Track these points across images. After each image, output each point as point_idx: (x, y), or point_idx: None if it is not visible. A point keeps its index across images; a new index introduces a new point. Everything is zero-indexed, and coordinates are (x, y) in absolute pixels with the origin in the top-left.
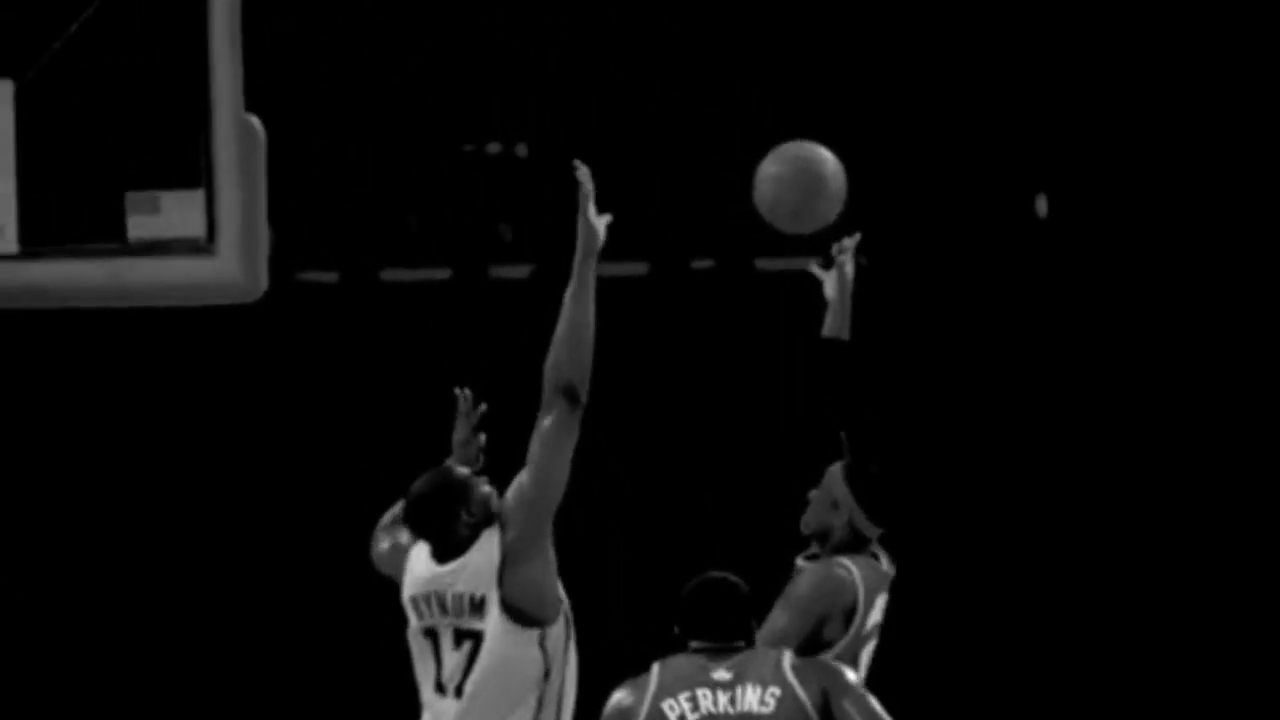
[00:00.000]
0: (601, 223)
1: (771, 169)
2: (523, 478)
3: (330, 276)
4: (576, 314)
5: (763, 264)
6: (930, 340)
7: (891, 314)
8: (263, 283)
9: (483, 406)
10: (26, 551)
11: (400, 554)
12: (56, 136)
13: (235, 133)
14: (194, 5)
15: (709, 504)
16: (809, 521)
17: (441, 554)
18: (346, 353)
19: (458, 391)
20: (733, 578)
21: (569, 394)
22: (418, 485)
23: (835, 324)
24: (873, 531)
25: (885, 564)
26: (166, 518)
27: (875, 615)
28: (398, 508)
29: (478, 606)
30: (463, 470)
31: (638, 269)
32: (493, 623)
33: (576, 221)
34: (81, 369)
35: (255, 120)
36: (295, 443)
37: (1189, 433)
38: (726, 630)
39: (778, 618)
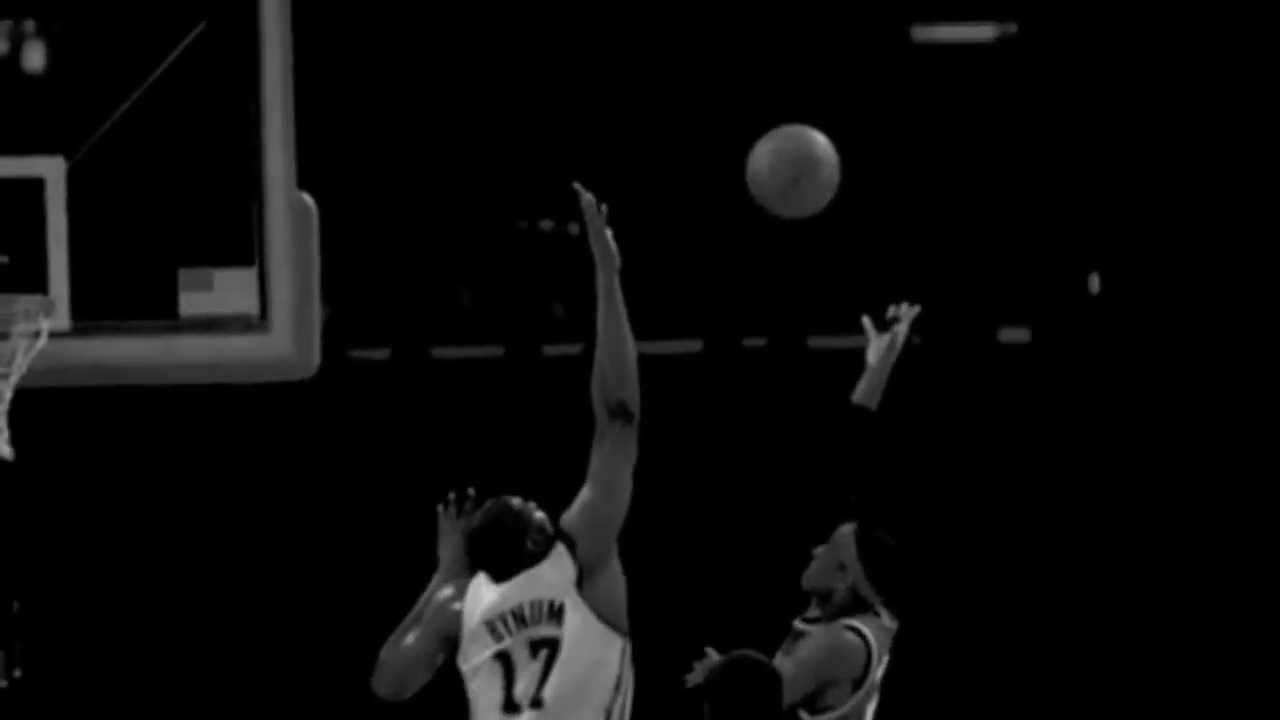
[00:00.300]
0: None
1: (765, 147)
2: (588, 496)
3: (382, 353)
4: (613, 335)
5: (815, 342)
6: (968, 420)
7: (932, 392)
8: (315, 359)
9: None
10: (78, 625)
11: (431, 643)
12: (109, 213)
13: (288, 210)
14: (246, 84)
15: (753, 583)
16: (811, 579)
17: (507, 576)
18: (398, 430)
19: (444, 503)
20: None
21: (622, 412)
22: (478, 519)
23: (868, 391)
24: (875, 599)
25: (888, 619)
26: (216, 593)
27: (879, 673)
28: (408, 622)
29: (556, 613)
30: (517, 499)
31: (692, 346)
32: (574, 629)
33: (591, 244)
34: (132, 445)
35: (308, 198)
36: (347, 519)
37: (1212, 524)
38: None
39: (782, 669)
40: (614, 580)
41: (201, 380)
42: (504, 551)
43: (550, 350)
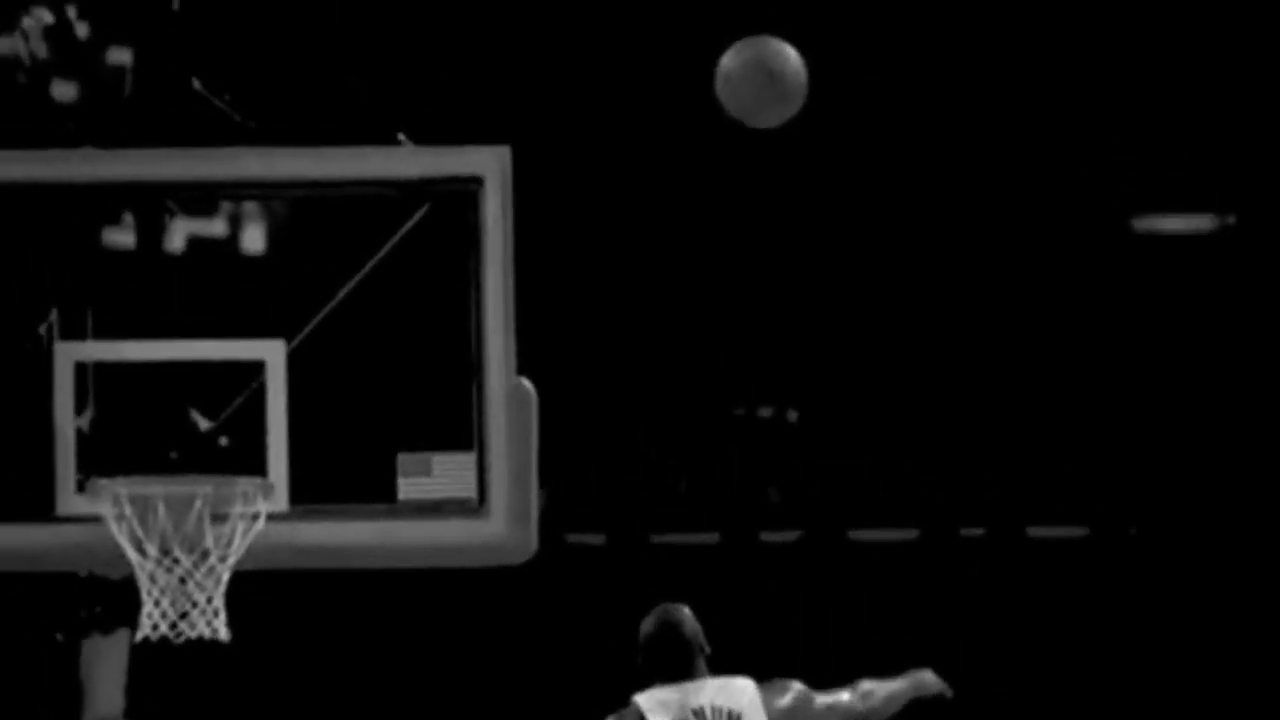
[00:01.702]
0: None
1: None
2: (823, 702)
3: (599, 539)
4: (890, 706)
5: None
6: None
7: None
8: (533, 544)
9: None
10: None
11: None
12: (329, 396)
13: (507, 396)
14: (466, 269)
15: None
16: None
17: (688, 675)
18: (614, 616)
19: None
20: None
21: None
22: (652, 625)
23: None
24: None
25: None
26: None
27: None
28: None
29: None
30: (685, 608)
31: (908, 535)
32: None
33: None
34: (348, 629)
35: (526, 383)
36: (564, 702)
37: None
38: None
39: None
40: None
41: (419, 564)
42: (681, 655)
43: (767, 536)
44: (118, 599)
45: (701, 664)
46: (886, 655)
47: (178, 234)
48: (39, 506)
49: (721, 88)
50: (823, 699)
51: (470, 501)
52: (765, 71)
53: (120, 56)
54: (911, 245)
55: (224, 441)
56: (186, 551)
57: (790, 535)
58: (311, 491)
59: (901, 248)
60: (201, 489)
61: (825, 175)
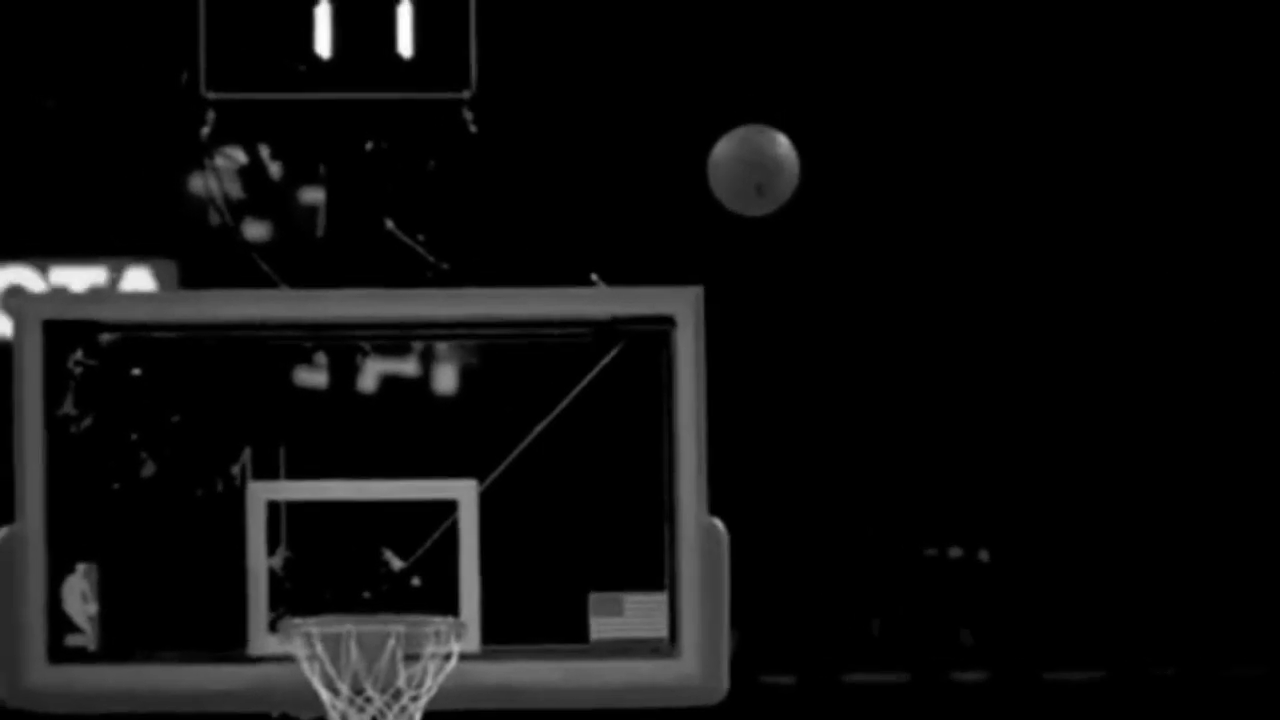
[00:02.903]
0: None
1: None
2: None
3: (790, 679)
4: None
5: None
6: None
7: None
8: (724, 685)
9: None
10: None
11: None
12: (520, 536)
13: (698, 536)
14: (658, 408)
15: None
16: None
17: None
18: None
19: None
20: None
21: None
22: None
23: None
24: None
25: None
26: None
27: None
28: None
29: None
30: None
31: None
32: None
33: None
34: None
35: (718, 523)
36: None
37: None
38: None
39: None
40: None
41: (610, 705)
42: None
43: (958, 677)
44: None
45: None
46: None
47: (370, 374)
48: (232, 646)
49: (712, 176)
50: None
51: (662, 641)
52: (754, 184)
53: (313, 196)
54: (1099, 391)
55: (416, 581)
56: (379, 691)
57: (981, 675)
58: (503, 631)
59: (1089, 394)
60: (394, 628)
61: (1022, 323)
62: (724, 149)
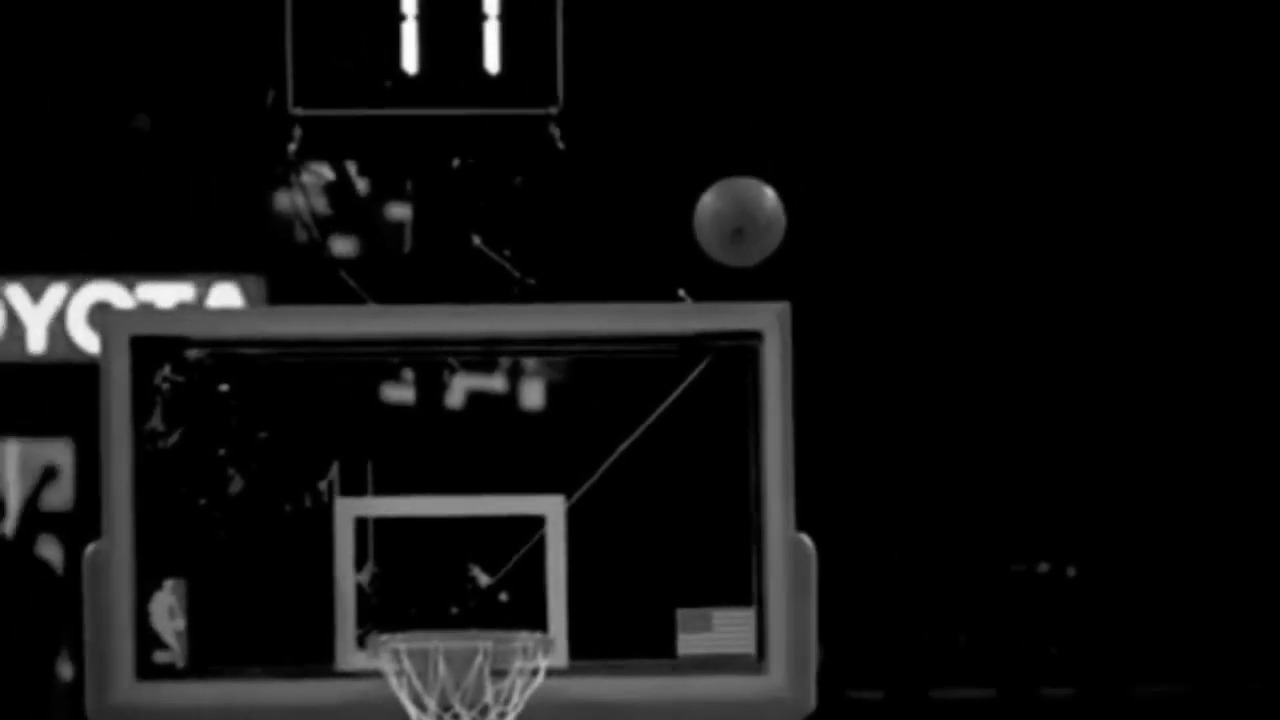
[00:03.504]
0: None
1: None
2: None
3: (877, 694)
4: None
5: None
6: None
7: None
8: (812, 700)
9: None
10: None
11: None
12: (608, 552)
13: (785, 552)
14: (745, 424)
15: None
16: None
17: None
18: None
19: None
20: None
21: None
22: None
23: None
24: None
25: None
26: None
27: None
28: None
29: None
30: None
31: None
32: None
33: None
34: None
35: (805, 538)
36: None
37: None
38: None
39: None
40: None
41: None
42: None
43: (1046, 692)
44: None
45: None
46: None
47: (457, 390)
48: (319, 662)
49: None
50: None
51: (750, 657)
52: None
53: (400, 212)
54: (1188, 409)
55: (504, 596)
56: (466, 707)
57: (1067, 690)
58: (590, 646)
59: (1178, 412)
60: (482, 644)
61: (1113, 341)
62: (706, 197)
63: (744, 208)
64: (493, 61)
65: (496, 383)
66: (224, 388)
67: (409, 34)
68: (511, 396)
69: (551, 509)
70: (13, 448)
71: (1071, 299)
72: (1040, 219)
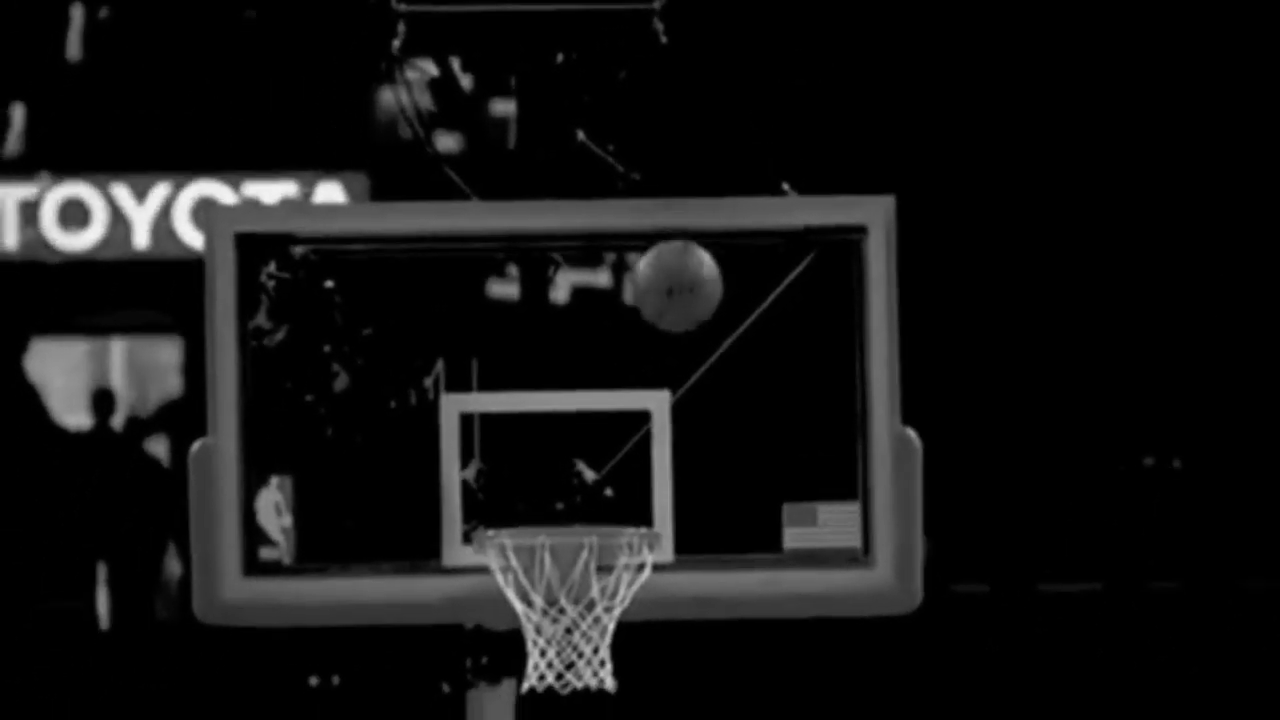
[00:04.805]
0: None
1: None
2: None
3: (983, 588)
4: None
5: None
6: None
7: None
8: (918, 595)
9: None
10: None
11: None
12: (714, 447)
13: (891, 445)
14: (850, 318)
15: None
16: None
17: None
18: (1000, 665)
19: None
20: None
21: None
22: None
23: None
24: None
25: None
26: None
27: None
28: None
29: None
30: None
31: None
32: None
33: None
34: (732, 679)
35: (911, 432)
36: None
37: None
38: None
39: None
40: None
41: (804, 614)
42: None
43: (1152, 586)
44: (504, 650)
45: None
46: (1271, 705)
47: (562, 286)
48: (426, 558)
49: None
50: None
51: (855, 551)
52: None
53: (504, 108)
54: None
55: (609, 492)
56: (572, 602)
57: (1172, 584)
58: (696, 542)
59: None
60: (588, 540)
61: (1214, 236)
62: (642, 263)
63: (671, 271)
64: None
65: (601, 278)
66: (329, 284)
67: None
68: (616, 292)
69: (657, 404)
70: (119, 344)
71: (1185, 198)
72: (1158, 127)
